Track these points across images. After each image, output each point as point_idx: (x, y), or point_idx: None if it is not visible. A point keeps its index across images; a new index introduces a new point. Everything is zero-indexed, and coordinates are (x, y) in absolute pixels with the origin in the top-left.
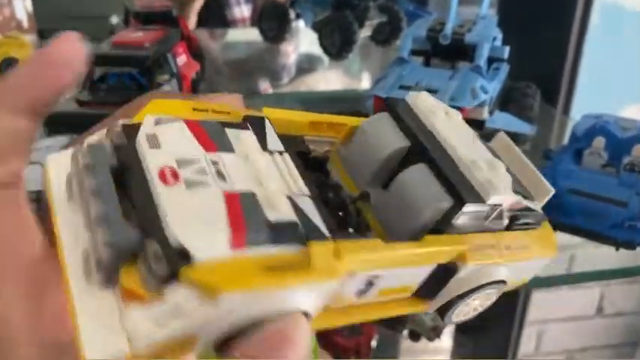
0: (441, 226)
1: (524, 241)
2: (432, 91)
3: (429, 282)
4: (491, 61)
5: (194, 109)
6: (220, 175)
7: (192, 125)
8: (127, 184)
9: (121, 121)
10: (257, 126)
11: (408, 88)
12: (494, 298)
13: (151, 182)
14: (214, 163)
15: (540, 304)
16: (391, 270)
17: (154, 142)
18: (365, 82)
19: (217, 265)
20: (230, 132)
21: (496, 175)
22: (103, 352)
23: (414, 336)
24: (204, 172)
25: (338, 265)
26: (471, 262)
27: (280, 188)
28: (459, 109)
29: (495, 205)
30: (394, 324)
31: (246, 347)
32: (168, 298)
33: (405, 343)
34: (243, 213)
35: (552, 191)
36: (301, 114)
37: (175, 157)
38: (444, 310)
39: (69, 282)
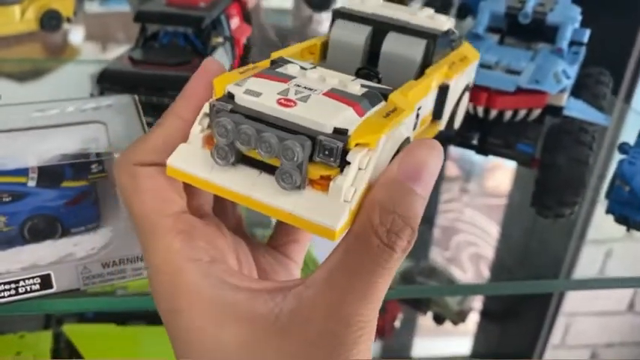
0: (427, 60)
1: (462, 54)
2: (512, 72)
3: (437, 104)
4: (569, 44)
5: (240, 73)
6: (307, 88)
7: (259, 76)
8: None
9: (210, 101)
10: (284, 61)
11: (488, 68)
12: (467, 100)
13: (278, 112)
14: (296, 85)
15: (571, 296)
16: (423, 99)
17: (253, 93)
18: None
19: (361, 128)
20: (279, 69)
21: (430, 15)
22: (337, 221)
23: (439, 319)
24: (300, 92)
25: (409, 100)
26: (452, 76)
27: (339, 80)
28: (540, 93)
29: (448, 30)
30: (419, 305)
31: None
32: (353, 162)
33: (428, 324)
34: (347, 97)
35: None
36: (291, 48)
37: (277, 92)
38: (450, 124)
39: (273, 205)
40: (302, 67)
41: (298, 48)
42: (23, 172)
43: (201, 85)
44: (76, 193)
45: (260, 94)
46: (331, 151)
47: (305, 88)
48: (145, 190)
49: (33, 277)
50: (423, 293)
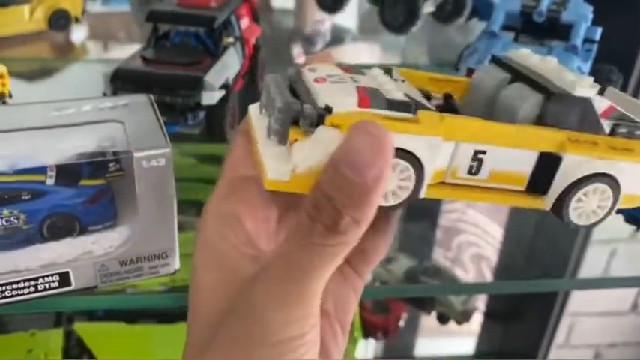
0: (538, 121)
1: (629, 145)
2: None
3: (537, 173)
4: (582, 41)
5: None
6: (355, 80)
7: (338, 66)
8: (297, 93)
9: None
10: (387, 71)
11: None
12: (611, 199)
13: (309, 83)
14: (352, 78)
15: (574, 296)
16: (493, 146)
17: (312, 69)
18: (396, 57)
19: (348, 114)
20: (364, 71)
21: (582, 78)
22: (277, 174)
23: (443, 318)
24: (344, 79)
25: (440, 124)
26: (572, 151)
27: (399, 89)
28: None
29: (583, 97)
30: (423, 305)
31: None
32: (316, 134)
33: (432, 324)
34: (368, 93)
35: None
36: (421, 72)
37: (325, 74)
38: (559, 208)
39: (257, 144)
40: (389, 77)
41: (437, 76)
42: (42, 170)
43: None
44: (93, 191)
45: (315, 70)
46: (307, 119)
47: (350, 79)
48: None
49: (52, 275)
50: (426, 292)
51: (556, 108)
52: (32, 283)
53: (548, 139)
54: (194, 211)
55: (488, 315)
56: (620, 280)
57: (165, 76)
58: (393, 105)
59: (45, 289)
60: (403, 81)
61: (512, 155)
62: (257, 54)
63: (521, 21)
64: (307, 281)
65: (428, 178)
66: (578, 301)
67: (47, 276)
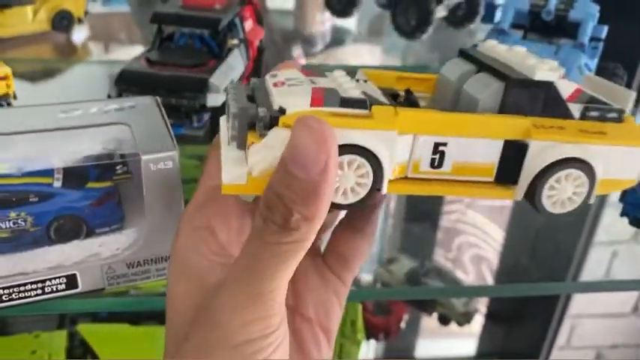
0: (502, 110)
1: (602, 129)
2: None
3: (505, 162)
4: (589, 39)
5: None
6: (313, 82)
7: (302, 70)
8: (255, 98)
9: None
10: (350, 72)
11: None
12: (586, 186)
13: (269, 88)
14: (311, 80)
15: (576, 298)
16: (454, 138)
17: (273, 75)
18: (396, 59)
19: (300, 114)
20: (327, 74)
21: (543, 62)
22: (233, 177)
23: (444, 320)
24: (302, 82)
25: (395, 119)
26: (537, 136)
27: (357, 88)
28: None
29: (544, 81)
30: (424, 306)
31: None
32: (269, 136)
33: (433, 325)
34: (323, 93)
35: (632, 94)
36: (389, 72)
37: (285, 78)
38: (532, 196)
39: (221, 149)
40: (350, 77)
41: (404, 74)
42: (49, 172)
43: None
44: (100, 194)
45: (276, 76)
46: (262, 122)
47: (309, 81)
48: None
49: (59, 277)
50: (428, 294)
51: (517, 94)
52: (39, 285)
53: (511, 126)
54: None
55: (490, 316)
56: (622, 284)
57: (171, 78)
58: (348, 103)
59: (52, 292)
60: (365, 81)
61: (475, 146)
62: (261, 56)
63: (529, 19)
64: (263, 282)
65: (388, 174)
66: (580, 302)
67: (54, 278)
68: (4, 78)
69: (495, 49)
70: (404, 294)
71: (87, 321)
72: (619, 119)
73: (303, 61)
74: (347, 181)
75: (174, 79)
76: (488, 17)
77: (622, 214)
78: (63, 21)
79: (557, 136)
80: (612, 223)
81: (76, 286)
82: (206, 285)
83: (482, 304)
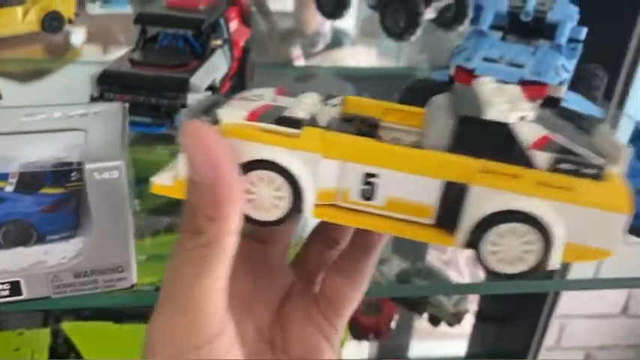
0: (452, 147)
1: (571, 184)
2: (516, 66)
3: (446, 206)
4: (567, 41)
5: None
6: (273, 100)
7: (277, 90)
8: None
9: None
10: (328, 97)
11: (492, 61)
12: (538, 245)
13: (229, 102)
14: (272, 99)
15: (565, 298)
16: (387, 170)
17: (250, 91)
18: (392, 60)
19: (233, 125)
20: (300, 96)
21: (515, 103)
22: (162, 179)
23: (435, 320)
24: (262, 99)
25: (321, 141)
26: (478, 181)
27: (307, 111)
28: (541, 85)
29: (495, 122)
30: (415, 306)
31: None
32: None
33: (424, 326)
34: (264, 109)
35: (626, 151)
36: (378, 102)
37: (254, 95)
38: (474, 247)
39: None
40: (321, 100)
41: (393, 106)
42: (3, 177)
43: None
44: (53, 200)
45: (245, 98)
46: None
47: (269, 99)
48: None
49: (2, 283)
50: (416, 292)
51: (466, 133)
52: None
53: (453, 166)
54: (179, 211)
55: (480, 317)
56: (609, 282)
57: (152, 78)
58: (282, 121)
59: None
60: (334, 106)
61: (411, 182)
62: (247, 56)
63: (508, 20)
64: (186, 290)
65: (310, 196)
66: (570, 303)
67: None
68: None
69: (484, 86)
70: (391, 291)
71: (71, 319)
72: (597, 176)
73: (302, 62)
74: (262, 197)
75: (155, 78)
76: (477, 19)
77: None
78: (53, 22)
79: (501, 183)
80: None
81: (20, 293)
82: None
83: (472, 305)
